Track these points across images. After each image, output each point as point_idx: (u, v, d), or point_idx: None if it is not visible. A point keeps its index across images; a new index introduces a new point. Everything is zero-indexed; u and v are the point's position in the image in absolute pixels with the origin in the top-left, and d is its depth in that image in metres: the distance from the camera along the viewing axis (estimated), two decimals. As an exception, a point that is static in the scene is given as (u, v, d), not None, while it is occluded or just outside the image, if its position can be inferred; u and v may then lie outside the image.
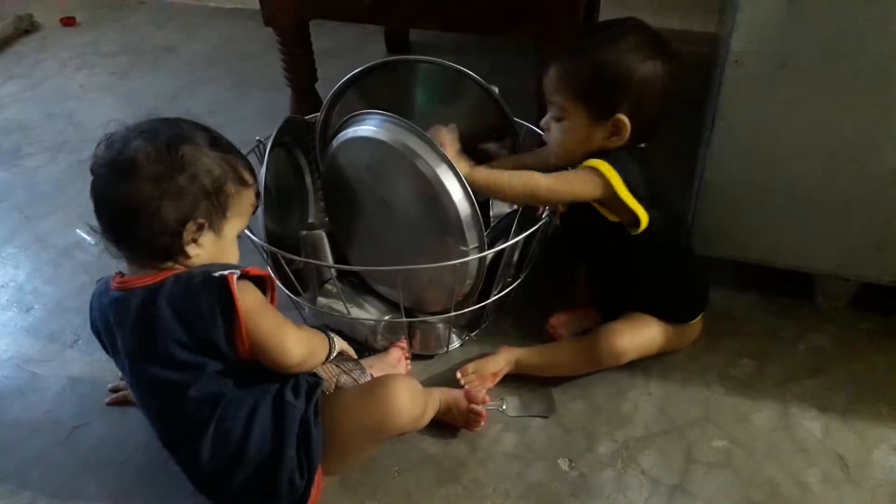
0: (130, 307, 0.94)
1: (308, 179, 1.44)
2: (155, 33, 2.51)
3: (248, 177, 1.00)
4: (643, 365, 1.23)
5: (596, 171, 1.09)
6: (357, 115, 1.22)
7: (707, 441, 1.14)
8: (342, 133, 1.24)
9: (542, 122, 1.18)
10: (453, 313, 1.22)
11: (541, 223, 1.21)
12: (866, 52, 1.08)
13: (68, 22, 2.55)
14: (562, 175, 1.13)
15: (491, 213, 1.39)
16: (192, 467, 1.02)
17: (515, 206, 1.35)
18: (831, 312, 1.33)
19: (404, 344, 1.26)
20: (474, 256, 1.15)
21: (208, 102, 2.10)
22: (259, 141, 1.32)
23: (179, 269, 0.95)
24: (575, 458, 1.12)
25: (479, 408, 1.13)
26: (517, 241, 1.19)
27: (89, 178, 1.74)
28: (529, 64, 1.64)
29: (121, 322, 0.96)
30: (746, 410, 1.18)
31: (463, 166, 1.14)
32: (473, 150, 1.45)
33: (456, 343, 1.31)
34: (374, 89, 1.40)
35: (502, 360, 1.21)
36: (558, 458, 1.12)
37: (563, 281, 1.40)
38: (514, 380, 1.23)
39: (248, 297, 0.92)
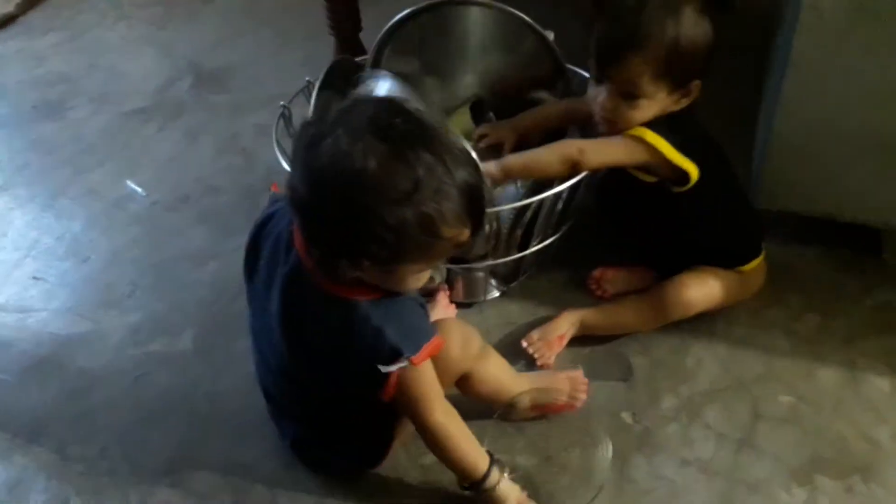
0: (302, 295, 0.90)
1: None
2: (190, -18, 2.47)
3: (447, 231, 0.81)
4: (706, 320, 1.21)
5: (641, 139, 1.09)
6: (372, 72, 1.26)
7: (773, 397, 1.13)
8: (358, 90, 1.26)
9: (602, 102, 1.11)
10: (489, 262, 1.21)
11: (581, 175, 1.18)
12: (950, -6, 1.03)
13: (104, -28, 2.52)
14: (602, 142, 1.13)
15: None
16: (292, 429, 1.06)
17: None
18: (898, 268, 1.30)
19: (446, 288, 1.25)
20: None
21: (249, 53, 2.07)
22: (308, 82, 1.31)
23: (361, 293, 0.87)
24: (638, 412, 1.11)
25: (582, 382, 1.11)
26: (539, 199, 1.17)
27: (134, 130, 1.75)
28: (577, 15, 1.59)
29: (286, 297, 0.92)
30: (812, 367, 1.16)
31: (491, 165, 1.11)
32: (524, 99, 1.43)
33: (495, 293, 1.31)
34: (424, 32, 1.38)
35: (566, 323, 1.20)
36: (621, 412, 1.12)
37: (608, 236, 1.37)
38: (581, 342, 1.21)
39: (405, 384, 0.88)
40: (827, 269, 1.31)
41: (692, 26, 1.06)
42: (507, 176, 1.13)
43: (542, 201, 1.20)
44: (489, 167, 1.10)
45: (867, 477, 1.02)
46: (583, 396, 1.10)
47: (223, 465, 1.08)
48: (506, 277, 1.32)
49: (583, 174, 1.15)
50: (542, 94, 1.42)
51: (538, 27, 1.32)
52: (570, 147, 1.12)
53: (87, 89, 1.95)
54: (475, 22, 1.38)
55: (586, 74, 1.40)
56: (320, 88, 1.27)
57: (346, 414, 1.00)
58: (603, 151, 1.12)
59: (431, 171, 0.78)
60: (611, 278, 1.28)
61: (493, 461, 0.95)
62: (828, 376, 1.15)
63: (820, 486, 1.01)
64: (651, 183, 1.14)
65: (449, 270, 1.27)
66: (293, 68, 1.95)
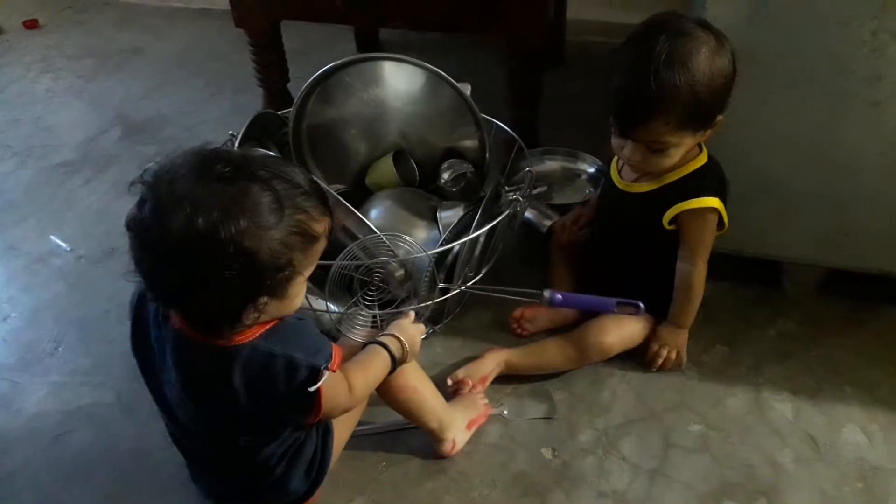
0: (197, 361, 0.89)
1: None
2: (120, 35, 2.48)
3: (318, 227, 0.86)
4: (620, 354, 1.26)
5: (716, 211, 1.16)
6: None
7: (684, 426, 1.18)
8: None
9: (629, 154, 1.14)
10: (413, 306, 1.23)
11: (494, 222, 1.23)
12: (827, 49, 1.13)
13: (31, 24, 2.50)
14: (701, 242, 1.18)
15: (439, 215, 1.37)
16: (213, 487, 1.07)
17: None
18: (799, 298, 1.38)
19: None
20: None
21: (179, 104, 2.08)
22: (232, 135, 1.33)
23: (250, 333, 0.87)
24: (557, 446, 1.15)
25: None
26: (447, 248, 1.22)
27: (60, 183, 1.73)
28: (499, 63, 1.66)
29: (182, 367, 0.91)
30: (720, 395, 1.22)
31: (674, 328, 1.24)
32: (445, 149, 1.48)
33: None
34: (346, 86, 1.43)
35: (491, 364, 1.24)
36: (541, 448, 1.15)
37: (528, 276, 1.41)
38: (503, 381, 1.25)
39: (328, 392, 0.90)
40: (734, 301, 1.38)
41: (707, 70, 1.04)
42: (685, 326, 1.25)
43: (461, 245, 1.25)
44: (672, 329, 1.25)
45: (772, 500, 1.07)
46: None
47: (146, 521, 1.08)
48: (431, 320, 1.35)
49: (496, 220, 1.21)
50: (463, 144, 1.48)
51: (454, 82, 1.37)
52: (693, 273, 1.20)
53: (10, 143, 1.93)
54: (396, 76, 1.43)
55: (504, 127, 1.47)
56: (242, 140, 1.30)
57: (275, 457, 1.00)
58: (707, 243, 1.19)
59: (278, 186, 0.81)
60: (530, 317, 1.32)
61: (379, 345, 1.02)
62: (735, 404, 1.21)
63: (728, 510, 1.06)
64: (670, 230, 1.19)
65: (375, 316, 1.29)
66: (223, 118, 1.98)
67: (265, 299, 0.84)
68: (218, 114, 2.02)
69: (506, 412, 1.21)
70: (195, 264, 0.79)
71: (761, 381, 1.24)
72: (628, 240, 1.26)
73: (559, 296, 1.17)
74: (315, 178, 0.91)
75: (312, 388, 0.87)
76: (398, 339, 1.03)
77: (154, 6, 2.65)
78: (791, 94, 1.18)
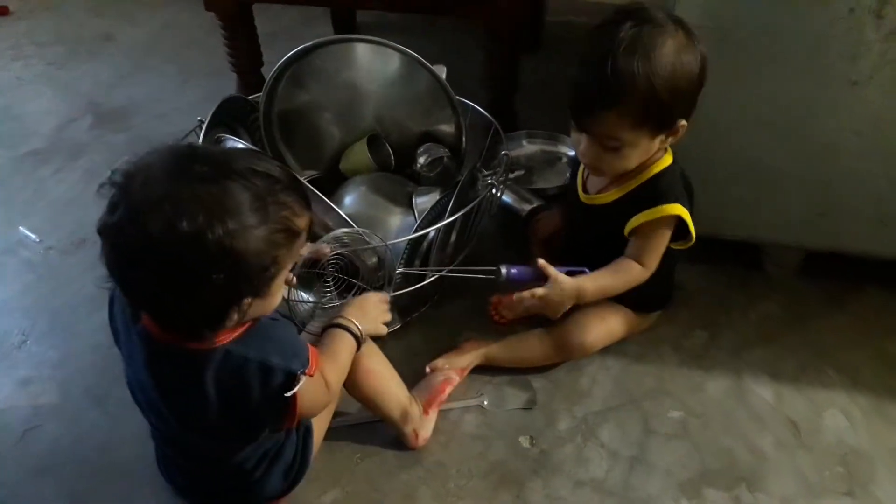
0: (167, 363, 0.86)
1: (252, 157, 1.42)
2: (92, 21, 2.42)
3: (300, 222, 0.83)
4: (599, 340, 1.25)
5: (676, 217, 1.09)
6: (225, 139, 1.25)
7: (664, 412, 1.16)
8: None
9: (584, 151, 1.08)
10: (390, 294, 1.21)
11: (468, 208, 1.20)
12: (802, 28, 1.11)
13: (1, 11, 2.44)
14: (652, 244, 1.12)
15: (414, 201, 1.35)
16: (187, 486, 1.04)
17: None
18: (780, 281, 1.37)
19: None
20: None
21: (151, 90, 2.04)
22: (200, 121, 1.29)
23: (225, 336, 0.84)
24: (535, 435, 1.13)
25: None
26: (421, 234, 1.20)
27: (29, 173, 1.68)
28: (478, 45, 1.63)
29: (152, 369, 0.87)
30: (700, 380, 1.21)
31: (572, 290, 1.12)
32: (421, 133, 1.45)
33: (397, 324, 1.31)
34: (319, 69, 1.39)
35: (470, 355, 1.22)
36: (519, 437, 1.13)
37: (507, 261, 1.38)
38: (486, 369, 1.23)
39: (306, 396, 0.87)
40: (713, 285, 1.37)
41: (668, 65, 0.97)
42: (581, 299, 1.13)
43: (436, 231, 1.22)
44: (569, 290, 1.11)
45: (752, 486, 1.06)
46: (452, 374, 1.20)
47: (116, 517, 1.05)
48: (408, 308, 1.33)
49: (466, 209, 1.19)
50: (440, 129, 1.45)
51: (428, 64, 1.34)
52: (632, 271, 1.13)
53: (-22, 133, 1.89)
54: (370, 59, 1.40)
55: (480, 109, 1.44)
56: (210, 127, 1.26)
57: (251, 461, 0.97)
58: (658, 251, 1.12)
59: (259, 183, 0.78)
60: (507, 304, 1.29)
61: (337, 327, 0.99)
62: (715, 389, 1.19)
63: (708, 497, 1.05)
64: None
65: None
66: (196, 105, 1.94)
67: (249, 300, 0.80)
68: (191, 100, 1.98)
69: (486, 403, 1.19)
70: (179, 269, 0.74)
71: (742, 365, 1.23)
72: (598, 250, 1.20)
73: (514, 269, 1.16)
74: (285, 165, 0.88)
75: (288, 394, 0.84)
76: (349, 319, 1.01)
77: (126, -9, 2.59)
78: (768, 73, 1.16)
